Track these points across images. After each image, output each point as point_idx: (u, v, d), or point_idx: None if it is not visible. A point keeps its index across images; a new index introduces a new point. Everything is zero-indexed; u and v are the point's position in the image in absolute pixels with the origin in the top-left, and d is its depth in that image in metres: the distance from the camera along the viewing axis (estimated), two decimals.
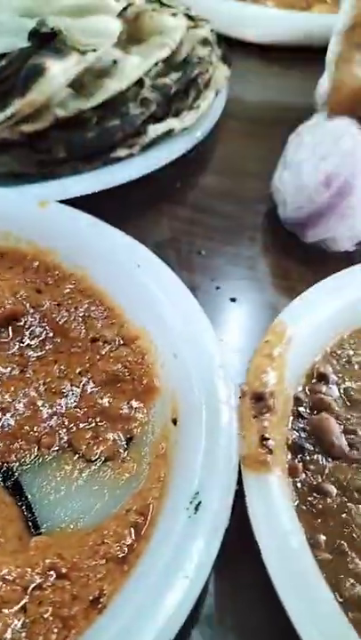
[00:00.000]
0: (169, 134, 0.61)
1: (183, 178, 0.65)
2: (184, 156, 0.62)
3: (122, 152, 0.58)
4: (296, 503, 0.33)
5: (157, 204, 0.61)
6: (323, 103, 0.64)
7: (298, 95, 0.68)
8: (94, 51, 0.56)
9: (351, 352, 0.43)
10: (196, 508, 0.30)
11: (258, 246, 0.58)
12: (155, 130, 0.60)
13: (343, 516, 0.33)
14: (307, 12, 0.92)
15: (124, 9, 0.61)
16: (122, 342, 0.42)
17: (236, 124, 0.73)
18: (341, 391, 0.41)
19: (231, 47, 0.76)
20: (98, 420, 0.38)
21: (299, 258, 0.56)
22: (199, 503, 0.30)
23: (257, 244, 0.59)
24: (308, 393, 0.40)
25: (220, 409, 0.35)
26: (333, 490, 0.34)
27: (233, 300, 0.52)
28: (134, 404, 0.39)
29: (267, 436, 0.33)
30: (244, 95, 0.78)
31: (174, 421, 0.36)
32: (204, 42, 0.69)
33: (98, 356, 0.41)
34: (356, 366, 0.42)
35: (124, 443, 0.37)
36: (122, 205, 0.59)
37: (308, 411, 0.39)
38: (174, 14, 0.69)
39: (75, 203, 0.51)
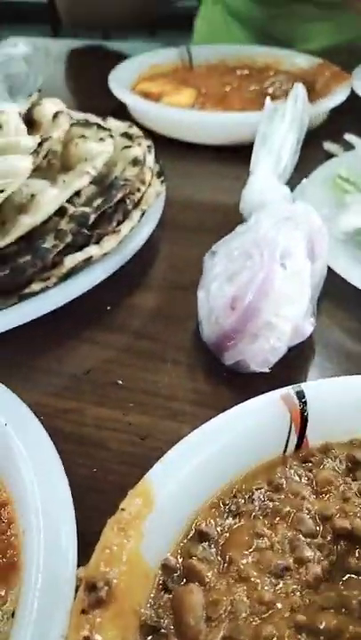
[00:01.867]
0: (88, 261, 0.60)
1: (113, 299, 0.64)
2: (115, 275, 0.62)
3: (36, 286, 0.57)
4: None
5: (82, 332, 0.60)
6: (248, 214, 0.63)
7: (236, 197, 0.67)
8: (1, 192, 0.57)
9: (242, 501, 0.39)
10: None
11: (180, 370, 0.56)
12: (72, 260, 0.59)
13: None
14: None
15: (39, 144, 0.62)
16: None
17: (171, 233, 0.72)
18: (219, 550, 0.36)
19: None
20: None
21: (221, 381, 0.53)
22: None
23: (180, 367, 0.56)
24: (181, 557, 0.36)
25: (53, 604, 0.32)
26: None
27: (142, 438, 0.49)
28: None
29: (91, 637, 0.29)
30: (180, 200, 0.77)
31: (12, 613, 0.33)
32: (135, 161, 0.70)
33: None
34: (243, 518, 0.38)
35: None
36: (41, 337, 0.58)
37: (175, 580, 0.35)
38: (102, 139, 0.70)
39: None
